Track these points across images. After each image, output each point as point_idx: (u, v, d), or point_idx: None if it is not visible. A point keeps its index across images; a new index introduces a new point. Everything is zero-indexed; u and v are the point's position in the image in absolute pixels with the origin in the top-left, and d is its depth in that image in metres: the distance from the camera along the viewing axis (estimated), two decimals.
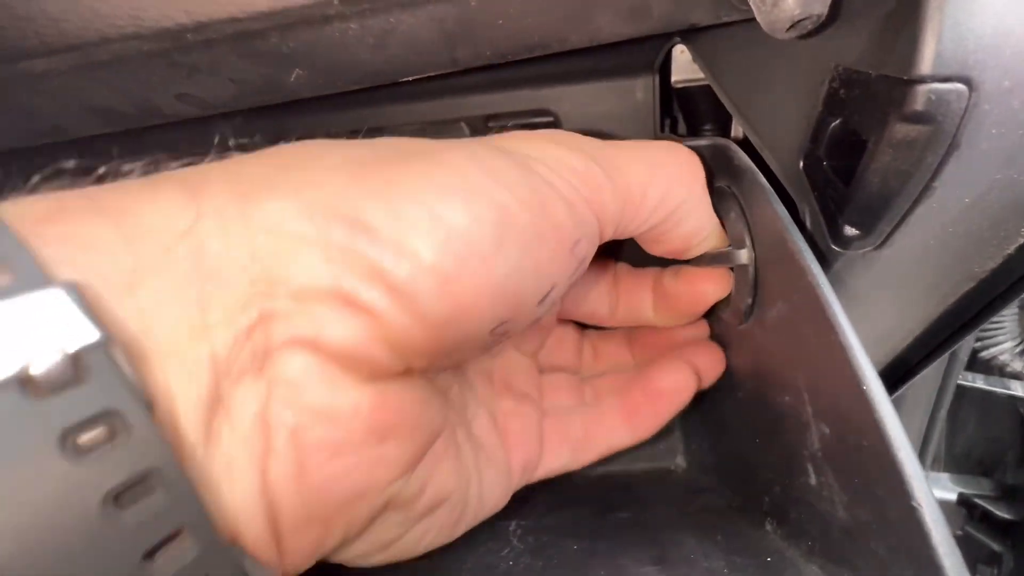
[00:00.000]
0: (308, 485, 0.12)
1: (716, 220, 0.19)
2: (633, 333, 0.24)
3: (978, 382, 0.41)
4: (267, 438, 0.12)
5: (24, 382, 0.08)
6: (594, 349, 0.24)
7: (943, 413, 0.33)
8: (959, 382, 0.33)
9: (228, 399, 0.11)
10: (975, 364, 0.43)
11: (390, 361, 0.13)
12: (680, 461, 0.32)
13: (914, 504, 0.12)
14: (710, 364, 0.21)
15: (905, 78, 0.14)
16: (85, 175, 0.12)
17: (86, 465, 0.08)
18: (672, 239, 0.18)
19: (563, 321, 0.24)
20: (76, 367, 0.08)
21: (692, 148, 0.20)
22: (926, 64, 0.13)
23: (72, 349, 0.08)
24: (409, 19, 0.13)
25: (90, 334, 0.09)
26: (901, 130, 0.14)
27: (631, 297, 0.22)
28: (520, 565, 0.18)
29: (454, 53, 0.14)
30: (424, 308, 0.12)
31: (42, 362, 0.08)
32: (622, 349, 0.24)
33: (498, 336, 0.14)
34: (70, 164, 0.12)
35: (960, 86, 0.13)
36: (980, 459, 0.45)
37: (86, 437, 0.09)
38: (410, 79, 0.17)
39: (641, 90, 0.28)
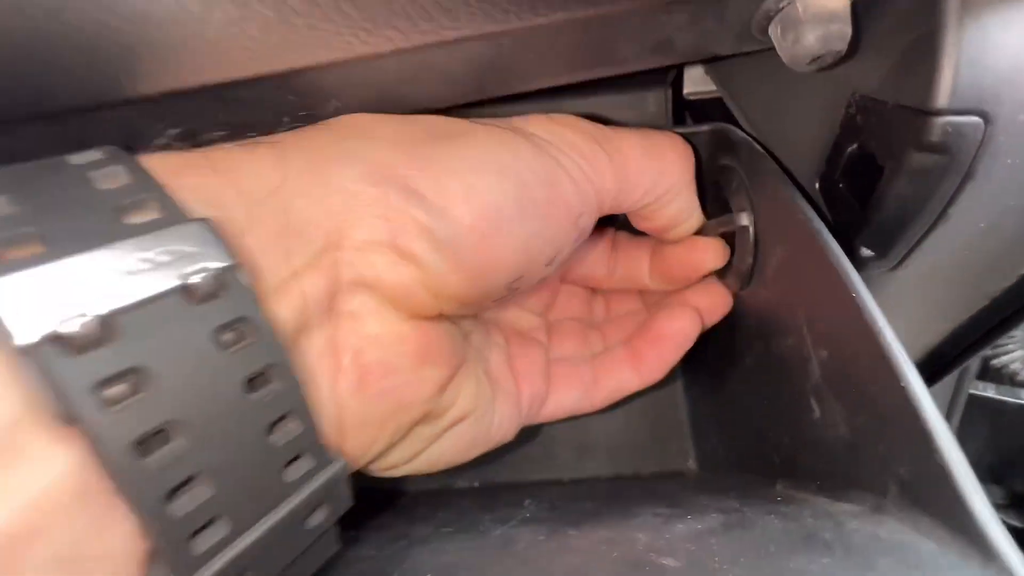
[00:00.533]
0: (367, 395, 0.14)
1: (699, 207, 0.21)
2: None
3: (989, 391, 0.41)
4: (337, 357, 0.14)
5: (185, 290, 0.10)
6: (606, 302, 0.26)
7: (955, 423, 0.33)
8: (970, 391, 0.34)
9: (310, 325, 0.13)
10: (986, 373, 0.43)
11: (429, 303, 0.15)
12: (692, 464, 0.32)
13: (902, 385, 0.13)
14: (714, 303, 0.22)
15: (923, 110, 0.14)
16: (183, 140, 0.14)
17: (229, 355, 0.10)
18: (658, 218, 0.21)
19: (571, 282, 0.26)
20: (219, 282, 0.10)
21: (696, 132, 0.22)
22: (943, 97, 0.14)
23: (216, 268, 0.10)
24: (444, 56, 0.13)
25: (226, 259, 0.11)
26: (918, 159, 0.15)
27: (629, 262, 0.24)
28: (538, 515, 0.19)
29: (484, 85, 0.15)
30: (461, 261, 0.15)
31: (196, 276, 0.10)
32: (632, 298, 0.25)
33: (512, 289, 0.17)
34: (174, 132, 0.14)
35: (976, 119, 0.14)
36: (990, 467, 0.45)
37: (227, 336, 0.11)
38: None
39: (654, 103, 0.28)
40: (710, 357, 0.29)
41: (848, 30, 0.14)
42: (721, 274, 0.22)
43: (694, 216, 0.21)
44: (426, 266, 0.14)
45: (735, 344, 0.23)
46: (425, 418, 0.17)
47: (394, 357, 0.15)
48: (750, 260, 0.21)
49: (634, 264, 0.24)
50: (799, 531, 0.13)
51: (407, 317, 0.15)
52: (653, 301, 0.25)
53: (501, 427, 0.20)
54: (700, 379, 0.31)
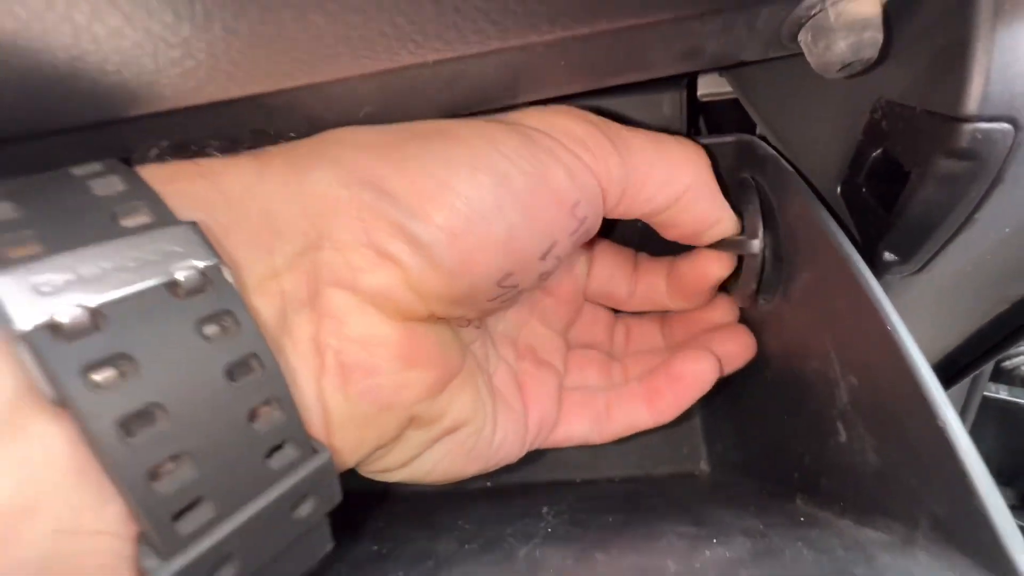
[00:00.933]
0: (350, 394, 0.15)
1: (728, 208, 0.20)
2: (666, 317, 0.26)
3: (1001, 393, 0.41)
4: (320, 356, 0.14)
5: (171, 285, 0.11)
6: (627, 330, 0.26)
7: (968, 425, 0.33)
8: (984, 393, 0.34)
9: (291, 324, 0.14)
10: (999, 375, 0.43)
11: (414, 303, 0.15)
12: (704, 466, 0.33)
13: (939, 424, 0.12)
14: (737, 350, 0.22)
15: (952, 116, 0.14)
16: (176, 151, 0.15)
17: (211, 344, 0.11)
18: (683, 223, 0.20)
19: (596, 303, 0.26)
20: (203, 279, 0.11)
21: (717, 144, 0.22)
22: (973, 103, 0.14)
23: (201, 266, 0.11)
24: (478, 64, 0.13)
25: (211, 257, 0.12)
26: (945, 165, 0.15)
27: (648, 281, 0.24)
28: (559, 532, 0.19)
29: (516, 91, 0.15)
30: (438, 258, 0.15)
31: (183, 273, 0.11)
32: (654, 332, 0.25)
33: (507, 288, 0.17)
34: (164, 143, 0.15)
35: (1006, 125, 0.14)
36: (1000, 469, 0.45)
37: (211, 327, 0.11)
38: None
39: (668, 104, 0.28)
40: None
41: (880, 37, 0.14)
42: (730, 291, 0.23)
43: (725, 218, 0.20)
44: (405, 266, 0.15)
45: (757, 355, 0.23)
46: (416, 422, 0.17)
47: (376, 358, 0.15)
48: (754, 286, 0.21)
49: (653, 283, 0.24)
50: (831, 565, 0.13)
51: (392, 318, 0.15)
52: (674, 342, 0.25)
53: (504, 445, 0.20)
54: (715, 384, 0.31)
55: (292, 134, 0.15)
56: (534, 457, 0.33)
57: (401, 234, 0.14)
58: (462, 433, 0.18)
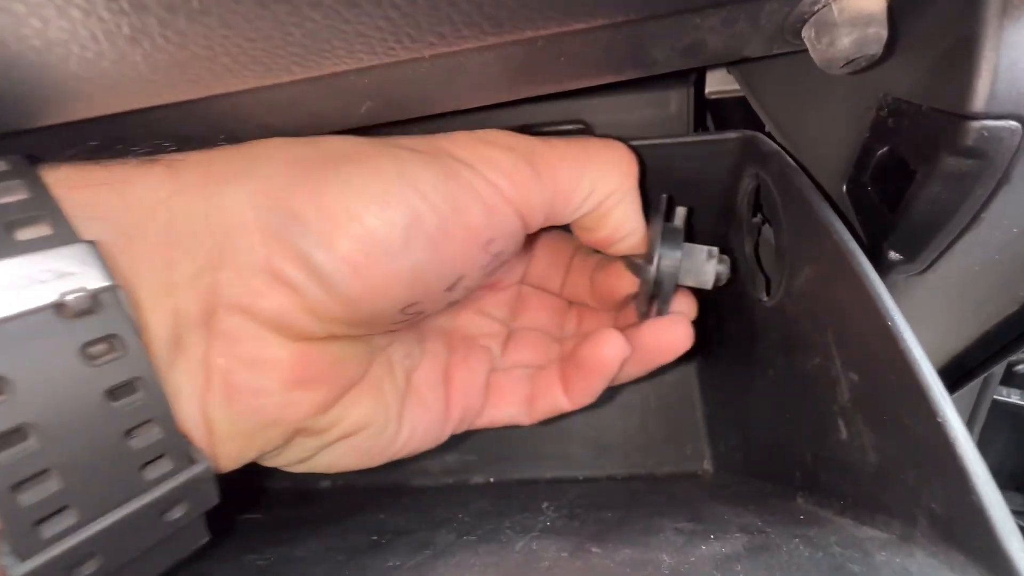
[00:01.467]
0: (234, 411, 0.15)
1: (642, 221, 0.20)
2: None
3: (1013, 397, 0.40)
4: (208, 375, 0.15)
5: (59, 307, 0.11)
6: (579, 317, 0.26)
7: (978, 429, 0.33)
8: (993, 397, 0.33)
9: (184, 343, 0.14)
10: (1011, 379, 0.43)
11: (312, 325, 0.15)
12: (707, 466, 0.32)
13: (939, 420, 0.12)
14: (665, 344, 0.21)
15: (959, 113, 0.14)
16: (104, 150, 0.15)
17: (95, 368, 0.12)
18: (599, 228, 0.20)
19: (533, 286, 0.26)
20: (94, 301, 0.12)
21: (723, 139, 0.21)
22: (980, 101, 0.13)
23: (92, 288, 0.12)
24: (478, 59, 0.13)
25: (104, 279, 0.12)
26: (952, 163, 0.14)
27: (575, 280, 0.25)
28: (558, 524, 0.20)
29: (516, 86, 0.15)
30: (339, 289, 0.15)
31: (72, 295, 0.11)
32: (606, 317, 0.25)
33: (412, 315, 0.17)
34: (94, 143, 0.15)
35: (1013, 123, 0.14)
36: (1012, 473, 0.44)
37: (96, 349, 0.12)
38: None
39: (675, 102, 0.28)
40: (728, 361, 0.29)
41: (884, 33, 0.14)
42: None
43: (637, 231, 0.20)
44: (303, 293, 0.15)
45: (756, 354, 0.23)
46: (304, 432, 0.17)
47: (263, 380, 0.15)
48: (644, 309, 0.21)
49: (580, 280, 0.24)
50: (827, 561, 0.13)
51: (287, 339, 0.15)
52: (624, 324, 0.24)
53: (413, 439, 0.20)
54: (717, 382, 0.31)
55: (222, 137, 0.15)
56: (537, 454, 0.33)
57: (303, 262, 0.14)
58: (359, 437, 0.19)
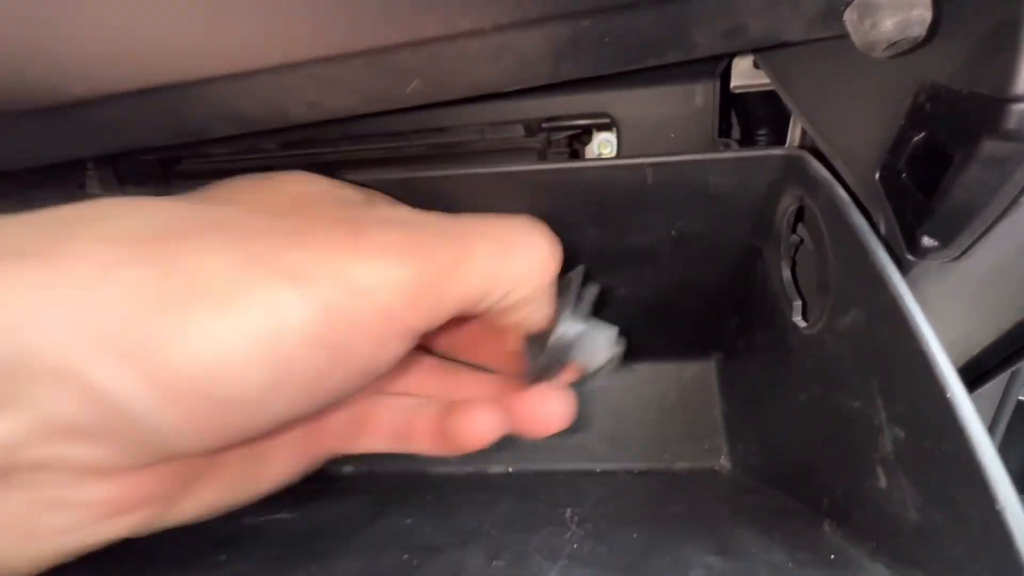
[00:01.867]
0: (31, 547, 0.13)
1: (550, 313, 0.19)
2: None
3: None
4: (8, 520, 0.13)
5: None
6: (456, 379, 0.24)
7: (1001, 428, 0.33)
8: (1019, 397, 0.33)
9: None
10: None
11: (137, 461, 0.13)
12: (724, 462, 0.32)
13: (998, 508, 0.12)
14: (540, 420, 0.20)
15: (999, 97, 0.14)
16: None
17: None
18: (504, 317, 0.18)
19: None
20: None
21: (767, 156, 0.21)
22: (1022, 84, 0.13)
23: None
24: (524, 37, 0.14)
25: None
26: (992, 147, 0.15)
27: (464, 332, 0.23)
28: (584, 548, 0.19)
29: (559, 66, 0.15)
30: (161, 437, 0.13)
31: None
32: (486, 379, 0.24)
33: (292, 421, 0.15)
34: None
35: None
36: None
37: None
38: None
39: (701, 95, 0.28)
40: (752, 368, 0.28)
41: (928, 15, 0.14)
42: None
43: (544, 319, 0.19)
44: (109, 442, 0.12)
45: (786, 375, 0.23)
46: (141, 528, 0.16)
47: (72, 520, 0.13)
48: (529, 383, 0.21)
49: (469, 334, 0.23)
50: None
51: (103, 478, 0.13)
52: (508, 381, 0.23)
53: (277, 478, 0.20)
54: (738, 384, 0.31)
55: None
56: (554, 444, 0.33)
57: (109, 411, 0.12)
58: (205, 506, 0.17)
